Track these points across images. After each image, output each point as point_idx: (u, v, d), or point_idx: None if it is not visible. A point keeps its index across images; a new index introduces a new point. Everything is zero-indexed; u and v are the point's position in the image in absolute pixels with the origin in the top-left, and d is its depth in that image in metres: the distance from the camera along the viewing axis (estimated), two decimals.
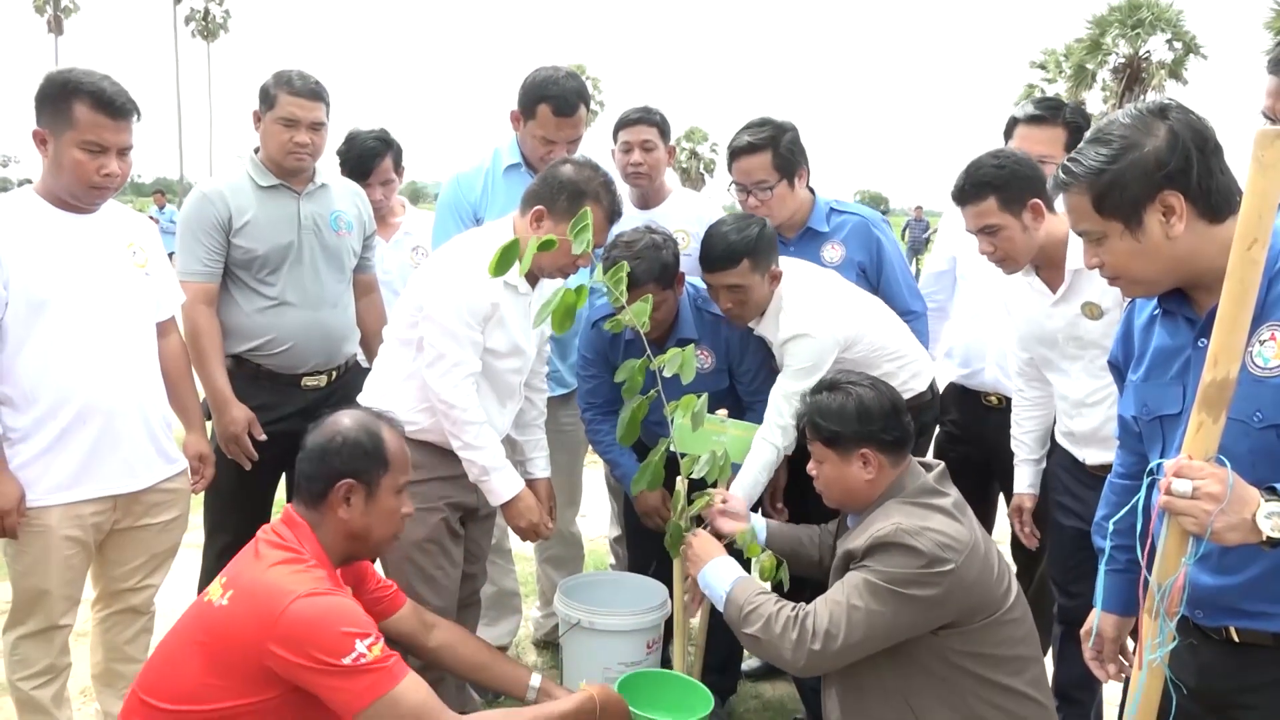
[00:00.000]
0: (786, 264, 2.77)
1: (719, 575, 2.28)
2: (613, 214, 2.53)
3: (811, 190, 3.09)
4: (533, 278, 2.57)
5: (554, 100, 2.97)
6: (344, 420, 2.10)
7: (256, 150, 3.05)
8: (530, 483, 2.80)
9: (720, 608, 2.25)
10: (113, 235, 2.48)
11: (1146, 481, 1.49)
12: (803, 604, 2.12)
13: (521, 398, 2.75)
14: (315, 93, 2.95)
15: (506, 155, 3.18)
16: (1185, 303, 1.62)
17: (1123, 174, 1.52)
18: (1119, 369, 1.84)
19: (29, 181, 2.50)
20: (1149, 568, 1.47)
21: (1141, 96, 34.11)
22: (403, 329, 2.56)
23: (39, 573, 2.42)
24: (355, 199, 3.24)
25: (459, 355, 2.44)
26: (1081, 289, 2.46)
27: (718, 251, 2.65)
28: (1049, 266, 2.53)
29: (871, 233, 3.05)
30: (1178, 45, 35.57)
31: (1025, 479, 2.83)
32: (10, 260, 2.30)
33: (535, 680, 2.33)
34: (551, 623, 3.54)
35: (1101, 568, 1.94)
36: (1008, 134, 3.04)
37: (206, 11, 57.07)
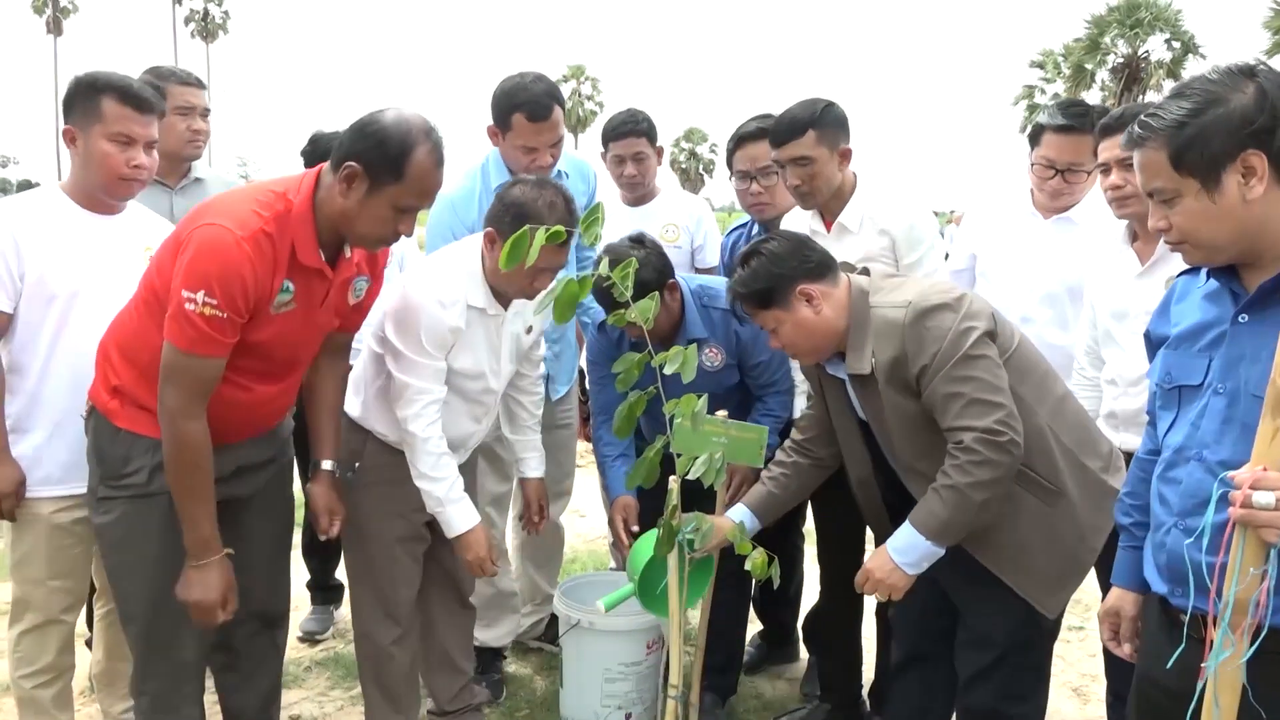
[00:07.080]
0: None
1: (910, 543, 2.18)
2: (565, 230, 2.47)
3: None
4: (503, 299, 2.54)
5: (526, 107, 2.87)
6: (395, 115, 2.07)
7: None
8: (523, 481, 2.85)
9: (941, 549, 2.17)
10: (132, 238, 2.51)
11: (1218, 492, 1.43)
12: (948, 453, 2.13)
13: (495, 411, 2.73)
14: None
15: (494, 174, 3.05)
16: (1235, 277, 1.57)
17: (1206, 129, 1.45)
18: (1153, 341, 1.78)
19: (29, 183, 2.51)
20: (1219, 588, 1.41)
21: (1140, 96, 34.10)
22: (375, 342, 2.55)
23: (34, 562, 2.44)
24: None
25: (421, 384, 2.40)
26: (1170, 261, 2.41)
27: (783, 124, 2.66)
28: (1146, 238, 2.50)
29: None
30: (1176, 45, 35.65)
31: None
32: (31, 254, 2.34)
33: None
34: (529, 621, 3.48)
35: (1120, 545, 1.87)
36: (1034, 140, 2.91)
37: (206, 12, 57.09)
